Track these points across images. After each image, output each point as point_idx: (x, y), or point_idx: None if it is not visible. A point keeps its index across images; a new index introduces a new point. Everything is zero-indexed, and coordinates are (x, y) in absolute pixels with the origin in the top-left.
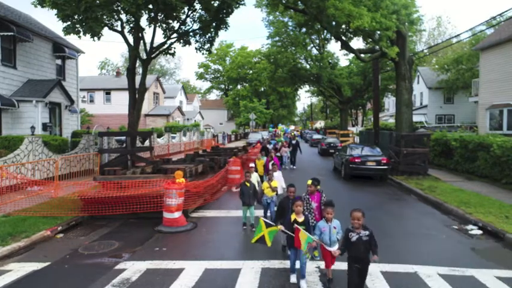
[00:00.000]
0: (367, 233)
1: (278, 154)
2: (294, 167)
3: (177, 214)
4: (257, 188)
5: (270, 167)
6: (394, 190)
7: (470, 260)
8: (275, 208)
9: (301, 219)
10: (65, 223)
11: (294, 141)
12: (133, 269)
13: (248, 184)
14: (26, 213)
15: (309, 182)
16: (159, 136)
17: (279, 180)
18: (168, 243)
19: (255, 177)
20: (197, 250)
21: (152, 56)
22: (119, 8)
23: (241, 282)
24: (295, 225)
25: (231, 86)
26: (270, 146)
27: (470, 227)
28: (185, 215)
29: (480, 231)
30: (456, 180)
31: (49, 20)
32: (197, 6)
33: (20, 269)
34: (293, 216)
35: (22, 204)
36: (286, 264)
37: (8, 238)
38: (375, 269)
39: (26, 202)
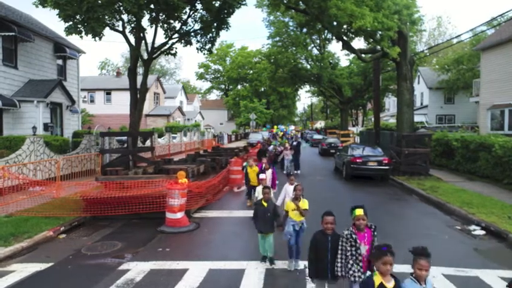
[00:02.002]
0: None
1: (287, 152)
2: (298, 172)
3: (179, 214)
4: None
5: (269, 175)
6: (395, 190)
7: (474, 261)
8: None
9: (390, 284)
10: (67, 223)
11: (295, 143)
12: (137, 269)
13: (265, 204)
14: (28, 214)
15: (360, 212)
16: (159, 136)
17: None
18: (171, 243)
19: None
20: (200, 250)
21: (153, 56)
22: (121, 8)
23: (246, 284)
24: None
25: (231, 86)
26: (270, 148)
27: (473, 227)
28: (188, 215)
29: (483, 232)
30: (458, 181)
31: (50, 20)
32: (198, 6)
33: (23, 270)
34: (377, 279)
35: (24, 204)
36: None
37: (10, 239)
38: None
39: (28, 202)
